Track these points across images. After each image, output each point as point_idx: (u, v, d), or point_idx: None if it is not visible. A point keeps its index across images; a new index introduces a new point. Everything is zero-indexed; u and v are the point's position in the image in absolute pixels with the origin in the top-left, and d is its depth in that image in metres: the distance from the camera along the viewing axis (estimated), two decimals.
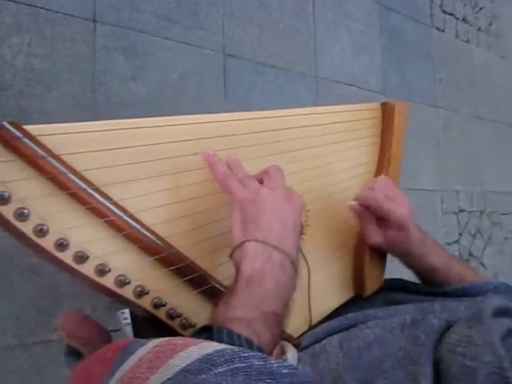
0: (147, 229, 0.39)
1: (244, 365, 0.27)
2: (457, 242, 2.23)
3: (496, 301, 0.38)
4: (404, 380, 0.33)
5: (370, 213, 0.54)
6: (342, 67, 1.76)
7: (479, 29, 2.56)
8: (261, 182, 0.42)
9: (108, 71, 1.15)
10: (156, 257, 0.39)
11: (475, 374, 0.30)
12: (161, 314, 0.40)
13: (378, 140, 0.68)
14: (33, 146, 0.33)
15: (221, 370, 0.26)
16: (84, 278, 0.36)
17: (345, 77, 1.76)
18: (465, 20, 2.47)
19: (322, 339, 0.43)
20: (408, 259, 0.56)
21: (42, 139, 0.34)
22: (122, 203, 0.37)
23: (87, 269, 0.36)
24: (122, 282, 0.37)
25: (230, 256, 0.39)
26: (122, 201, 0.37)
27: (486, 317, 0.34)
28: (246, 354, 0.27)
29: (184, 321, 0.41)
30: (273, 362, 0.28)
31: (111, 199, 0.37)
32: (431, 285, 0.57)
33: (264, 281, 0.35)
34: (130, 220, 0.38)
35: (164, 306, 0.40)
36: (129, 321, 0.39)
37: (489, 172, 2.44)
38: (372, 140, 0.67)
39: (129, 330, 0.39)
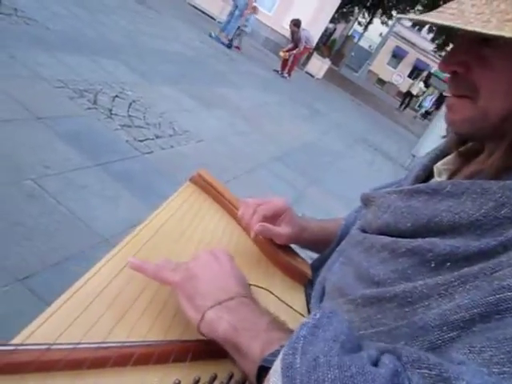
0: (166, 341, 0.40)
1: (302, 342, 0.34)
2: None
3: None
4: None
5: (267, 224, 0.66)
6: None
7: None
8: None
9: None
10: (190, 355, 0.41)
11: None
12: None
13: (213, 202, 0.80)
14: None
15: (298, 360, 0.33)
16: None
17: None
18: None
19: None
20: (306, 233, 0.70)
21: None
22: (130, 338, 0.38)
23: None
24: None
25: (199, 332, 0.42)
26: (130, 336, 0.38)
27: None
28: (294, 336, 0.35)
29: None
30: (308, 320, 0.36)
31: (121, 341, 0.37)
32: (324, 245, 0.72)
33: (242, 319, 0.42)
34: (149, 343, 0.39)
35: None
36: None
37: None
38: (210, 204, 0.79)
39: None
